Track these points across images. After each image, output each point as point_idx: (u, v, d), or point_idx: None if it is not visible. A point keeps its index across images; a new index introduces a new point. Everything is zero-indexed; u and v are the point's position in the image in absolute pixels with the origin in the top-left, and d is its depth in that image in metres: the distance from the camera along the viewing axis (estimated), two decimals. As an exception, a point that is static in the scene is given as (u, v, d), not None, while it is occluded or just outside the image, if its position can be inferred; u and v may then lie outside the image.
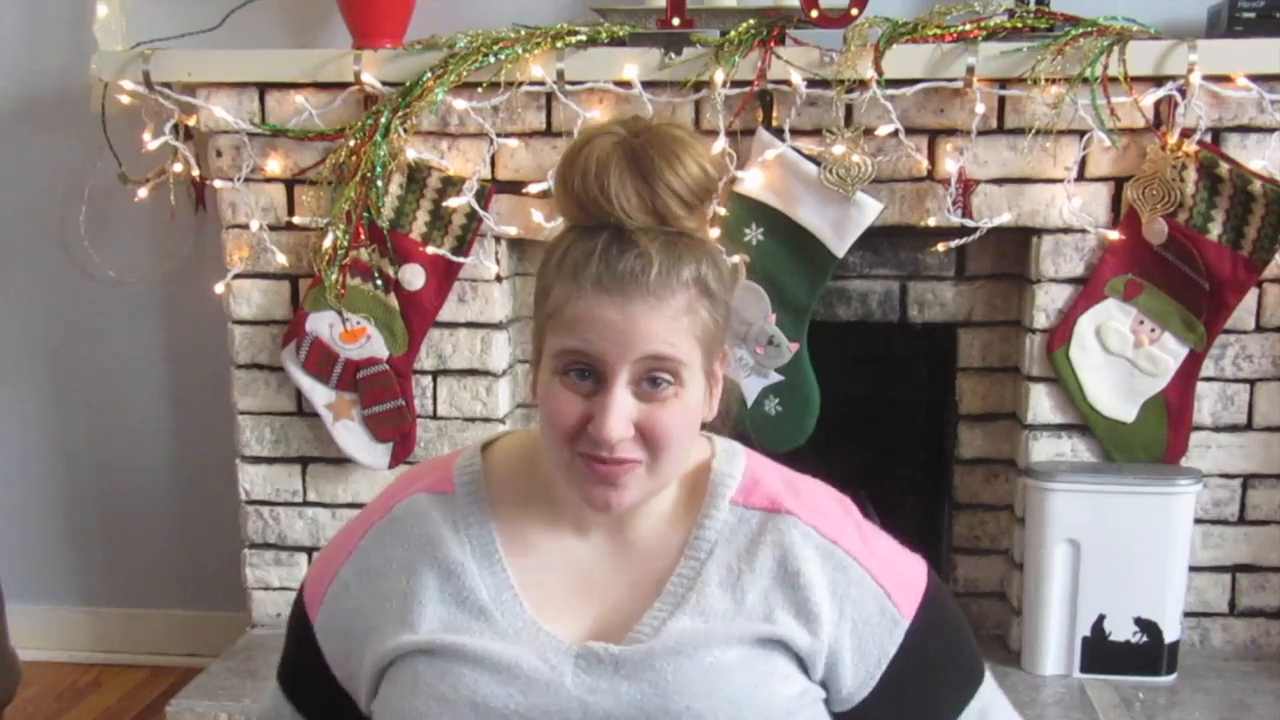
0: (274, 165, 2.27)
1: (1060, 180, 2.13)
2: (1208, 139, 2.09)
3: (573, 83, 2.15)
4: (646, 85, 2.12)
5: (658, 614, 1.02)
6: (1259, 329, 2.17)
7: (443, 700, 0.99)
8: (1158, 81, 2.05)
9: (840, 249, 2.13)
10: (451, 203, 2.20)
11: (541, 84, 2.15)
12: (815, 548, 1.04)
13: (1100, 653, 2.16)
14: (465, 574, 1.04)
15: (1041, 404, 2.21)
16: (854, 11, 2.08)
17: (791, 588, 1.02)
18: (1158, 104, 2.08)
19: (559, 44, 2.13)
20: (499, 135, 2.20)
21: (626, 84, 2.12)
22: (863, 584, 1.04)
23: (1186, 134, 2.07)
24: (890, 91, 2.07)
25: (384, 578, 1.05)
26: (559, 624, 1.03)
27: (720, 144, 2.11)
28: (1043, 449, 2.22)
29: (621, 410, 0.95)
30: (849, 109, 2.12)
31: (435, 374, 2.33)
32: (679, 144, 0.98)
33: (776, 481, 1.08)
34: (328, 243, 2.20)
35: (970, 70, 2.06)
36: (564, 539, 1.06)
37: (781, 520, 1.05)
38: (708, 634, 1.00)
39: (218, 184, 2.29)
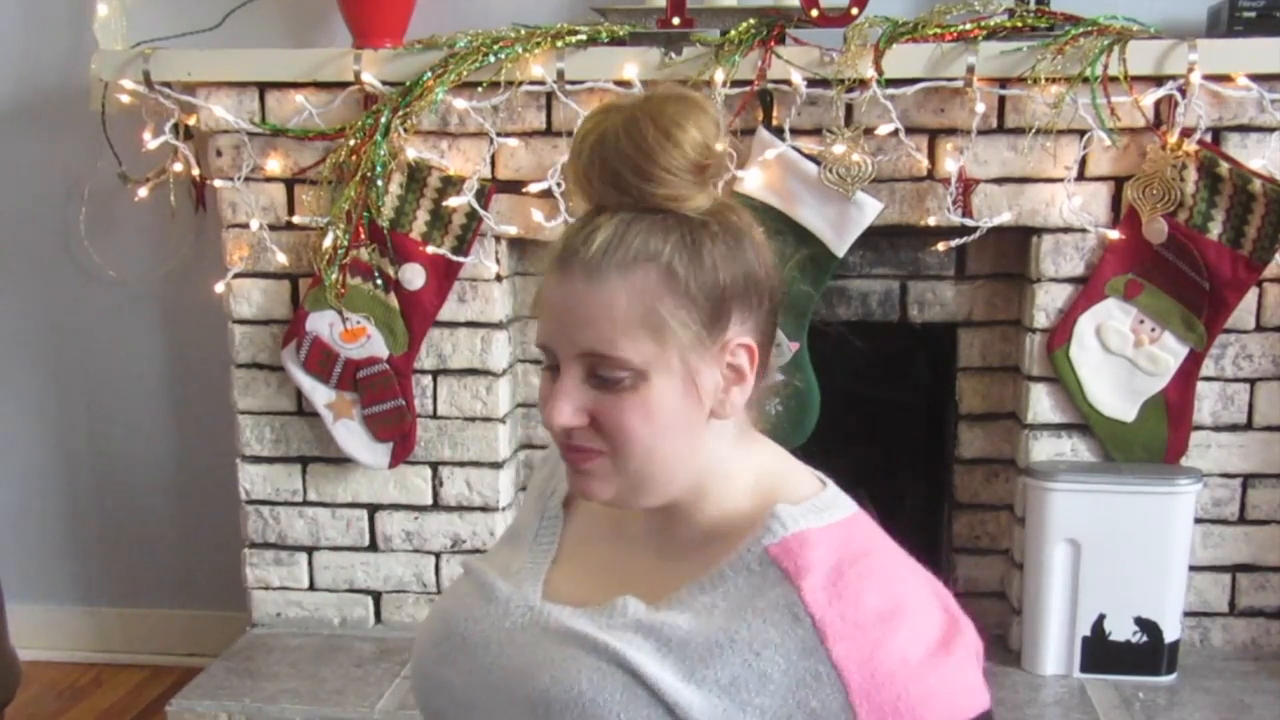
0: (274, 165, 2.27)
1: (1060, 180, 2.13)
2: (1208, 138, 2.09)
3: (573, 82, 2.15)
4: (646, 85, 2.11)
5: (620, 605, 0.96)
6: (1259, 329, 2.17)
7: (436, 605, 1.10)
8: (1158, 81, 2.06)
9: (840, 249, 2.13)
10: (451, 202, 2.20)
11: (541, 84, 2.15)
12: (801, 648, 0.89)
13: (1100, 653, 2.16)
14: (527, 515, 1.12)
15: (1041, 404, 2.21)
16: (854, 11, 2.08)
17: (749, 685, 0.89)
18: (1158, 103, 2.08)
19: (559, 44, 2.13)
20: (499, 135, 2.20)
21: (626, 84, 2.12)
22: None
23: (1186, 133, 2.07)
24: (890, 91, 2.07)
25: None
26: (557, 584, 1.03)
27: (720, 143, 2.10)
28: (1043, 449, 2.22)
29: (567, 397, 0.92)
30: (849, 108, 2.12)
31: (435, 373, 2.33)
32: (672, 120, 0.90)
33: (825, 557, 0.92)
34: (328, 242, 2.20)
35: (970, 70, 2.06)
36: (616, 523, 1.05)
37: (788, 593, 0.90)
38: (622, 644, 0.92)
39: (218, 184, 2.29)
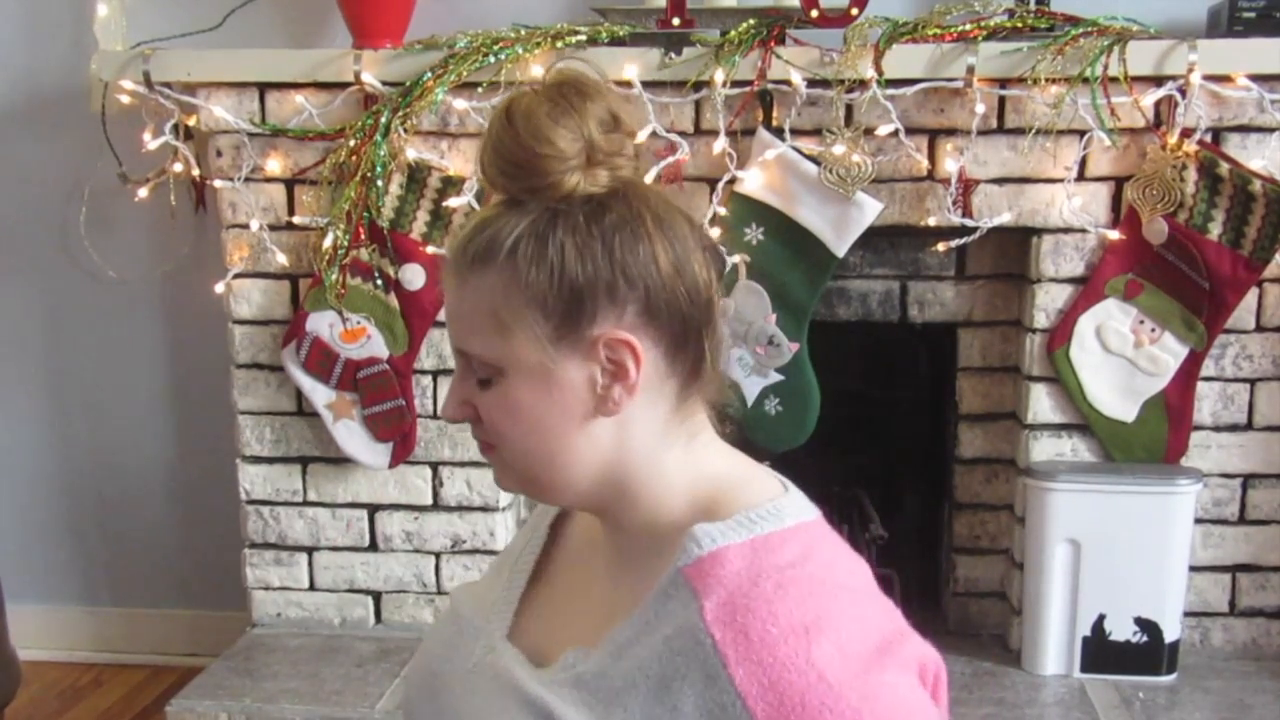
0: (274, 165, 2.27)
1: (1060, 180, 2.13)
2: (1208, 139, 2.09)
3: (573, 83, 2.14)
4: (646, 85, 2.11)
5: (567, 659, 0.91)
6: (1259, 329, 2.17)
7: (424, 638, 1.10)
8: (1158, 81, 2.06)
9: (840, 249, 2.13)
10: (451, 202, 2.20)
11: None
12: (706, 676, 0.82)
13: (1100, 652, 2.16)
14: (522, 535, 1.09)
15: (1041, 404, 2.21)
16: (854, 11, 2.08)
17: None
18: (1158, 104, 2.08)
19: (559, 44, 2.13)
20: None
21: (627, 84, 2.11)
22: None
23: (1186, 134, 2.07)
24: (890, 91, 2.07)
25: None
26: (525, 616, 1.01)
27: (721, 143, 2.11)
28: (1043, 449, 2.22)
29: (452, 391, 0.93)
30: (849, 109, 2.12)
31: (435, 374, 2.33)
32: (533, 108, 0.86)
33: (739, 573, 0.84)
34: (328, 243, 2.20)
35: (970, 70, 2.06)
36: (588, 540, 1.03)
37: (692, 615, 0.83)
38: (555, 699, 0.88)
39: (218, 184, 2.29)
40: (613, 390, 0.89)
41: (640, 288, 0.87)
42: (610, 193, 0.88)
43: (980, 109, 2.07)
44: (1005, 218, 2.14)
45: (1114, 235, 2.13)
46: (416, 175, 2.21)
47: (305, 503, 2.40)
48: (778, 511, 0.89)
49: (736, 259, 2.16)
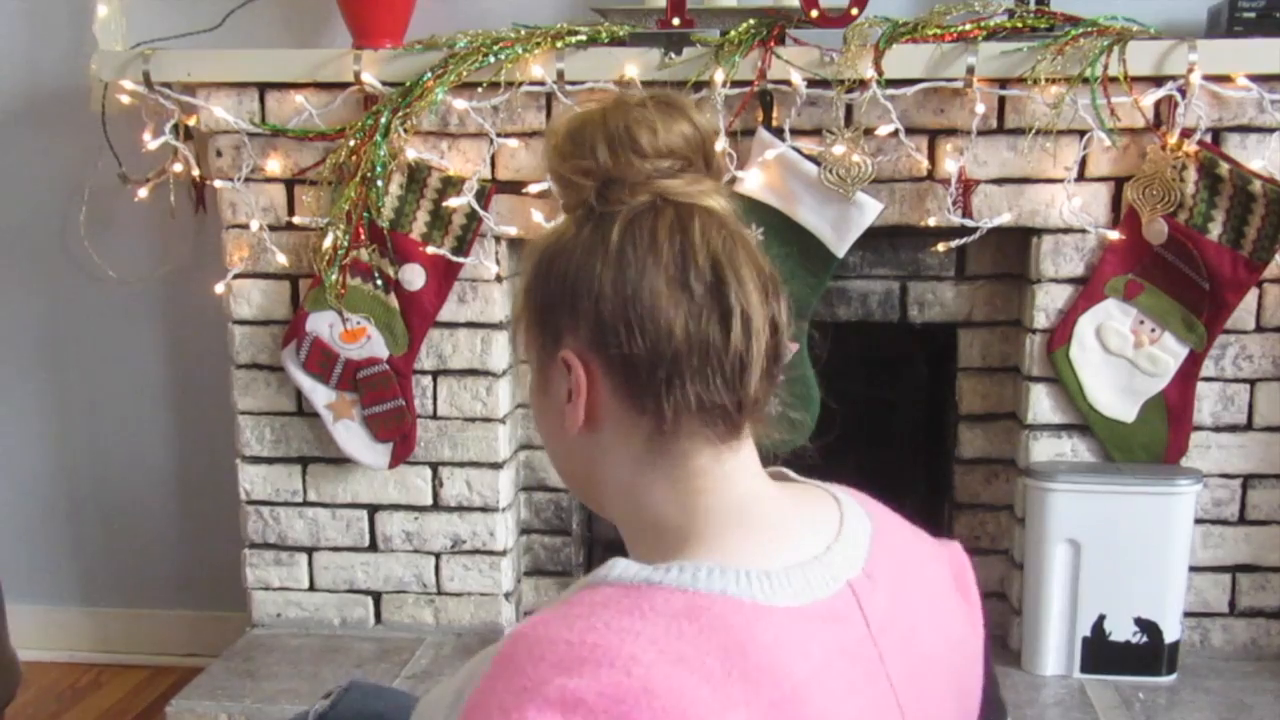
0: (274, 165, 2.27)
1: (1060, 180, 2.13)
2: (1208, 139, 2.09)
3: (573, 83, 2.15)
4: (646, 85, 2.11)
5: None
6: (1259, 329, 2.17)
7: None
8: (1158, 81, 2.06)
9: (840, 249, 2.13)
10: (451, 203, 2.20)
11: (541, 84, 2.15)
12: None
13: (1100, 653, 2.16)
14: None
15: (1041, 404, 2.21)
16: (854, 11, 2.08)
17: None
18: (1158, 104, 2.08)
19: (559, 44, 2.13)
20: (499, 135, 2.20)
21: (626, 84, 2.12)
22: None
23: (1186, 134, 2.07)
24: (890, 91, 2.07)
25: None
26: None
27: (721, 143, 2.11)
28: (1043, 449, 2.22)
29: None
30: (849, 109, 2.12)
31: (435, 374, 2.33)
32: (566, 126, 0.90)
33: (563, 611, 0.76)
34: (328, 243, 2.20)
35: (970, 70, 2.06)
36: None
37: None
38: None
39: (218, 184, 2.29)
40: (566, 408, 0.86)
41: (591, 313, 0.84)
42: (623, 213, 0.85)
43: (980, 109, 2.08)
44: (1005, 218, 2.14)
45: (1114, 235, 2.13)
46: (416, 175, 2.21)
47: (305, 503, 2.40)
48: (689, 570, 0.78)
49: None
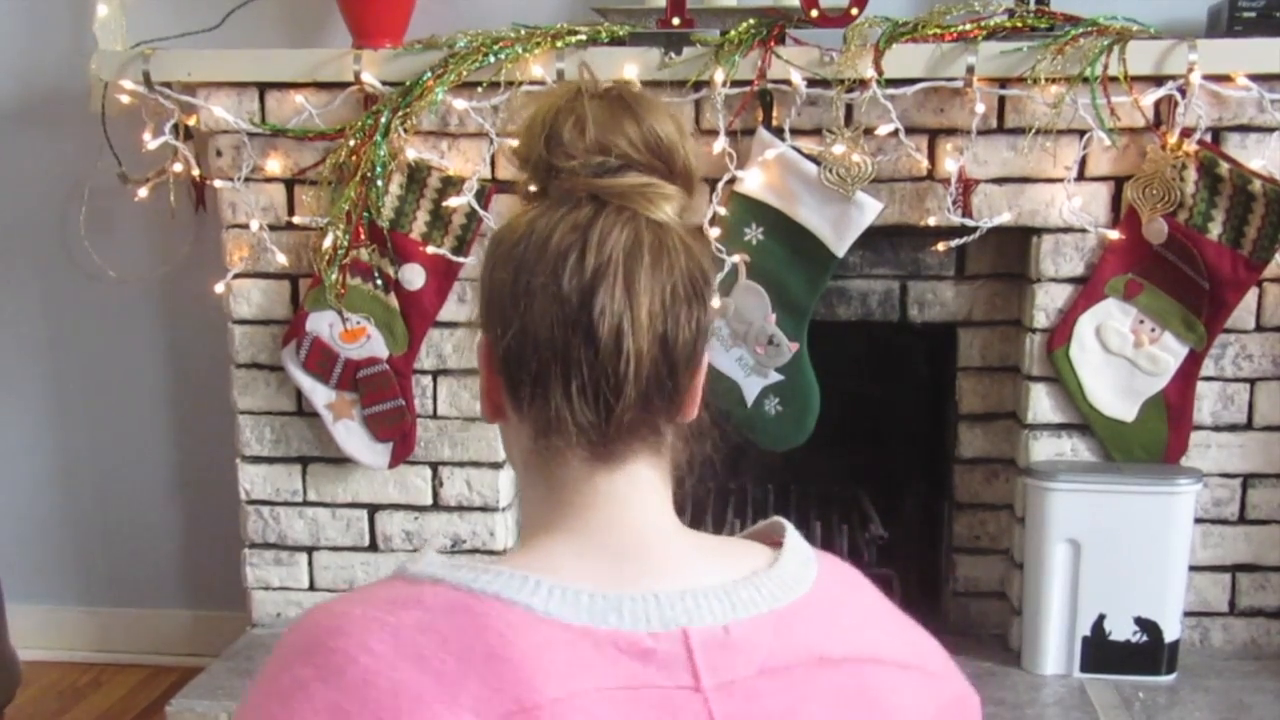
0: (274, 165, 2.27)
1: (1060, 180, 2.13)
2: (1208, 139, 2.09)
3: (573, 82, 2.14)
4: (646, 85, 2.10)
5: None
6: (1259, 329, 2.17)
7: None
8: (1158, 81, 2.06)
9: (840, 249, 2.13)
10: (451, 202, 2.20)
11: (541, 84, 2.15)
12: None
13: (1100, 652, 2.16)
14: None
15: (1041, 404, 2.21)
16: (854, 11, 2.08)
17: None
18: (1158, 104, 2.08)
19: (559, 44, 2.13)
20: (499, 135, 2.20)
21: (627, 83, 2.11)
22: None
23: (1186, 134, 2.07)
24: (890, 91, 2.07)
25: None
26: None
27: (721, 143, 2.11)
28: (1043, 449, 2.22)
29: None
30: (849, 109, 2.12)
31: (435, 374, 2.33)
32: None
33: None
34: (328, 243, 2.20)
35: (970, 70, 2.06)
36: None
37: None
38: None
39: (218, 184, 2.29)
40: (482, 396, 0.87)
41: (485, 301, 0.84)
42: (543, 205, 0.82)
43: (980, 109, 2.08)
44: (1005, 217, 2.14)
45: (1114, 235, 2.13)
46: (416, 175, 2.21)
47: (305, 503, 2.40)
48: (480, 570, 0.75)
49: (736, 259, 2.16)
